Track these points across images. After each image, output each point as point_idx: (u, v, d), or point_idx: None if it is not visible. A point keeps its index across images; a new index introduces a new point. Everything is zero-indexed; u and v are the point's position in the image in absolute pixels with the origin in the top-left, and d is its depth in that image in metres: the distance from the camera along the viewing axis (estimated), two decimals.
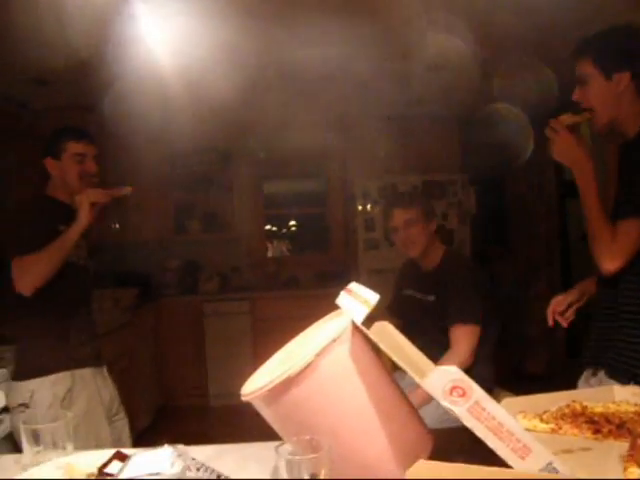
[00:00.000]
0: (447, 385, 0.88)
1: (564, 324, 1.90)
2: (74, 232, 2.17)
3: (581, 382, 1.83)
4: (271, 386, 0.91)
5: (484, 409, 0.88)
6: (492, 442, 0.89)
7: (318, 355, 0.92)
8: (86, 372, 2.27)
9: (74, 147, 2.32)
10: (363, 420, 0.95)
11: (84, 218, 2.17)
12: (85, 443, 2.06)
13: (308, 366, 0.91)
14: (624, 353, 1.65)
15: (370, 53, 3.67)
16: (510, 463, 0.90)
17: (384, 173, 5.38)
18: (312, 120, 5.33)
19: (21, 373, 2.18)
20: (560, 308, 1.92)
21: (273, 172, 6.20)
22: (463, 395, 0.88)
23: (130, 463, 1.00)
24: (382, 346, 0.96)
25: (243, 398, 0.98)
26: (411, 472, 0.87)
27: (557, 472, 0.88)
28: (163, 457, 1.00)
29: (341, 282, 1.10)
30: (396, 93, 4.75)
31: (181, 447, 1.03)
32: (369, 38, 3.37)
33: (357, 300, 1.02)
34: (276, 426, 1.01)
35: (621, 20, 1.65)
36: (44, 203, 2.31)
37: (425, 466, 0.88)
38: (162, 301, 5.38)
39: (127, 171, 4.87)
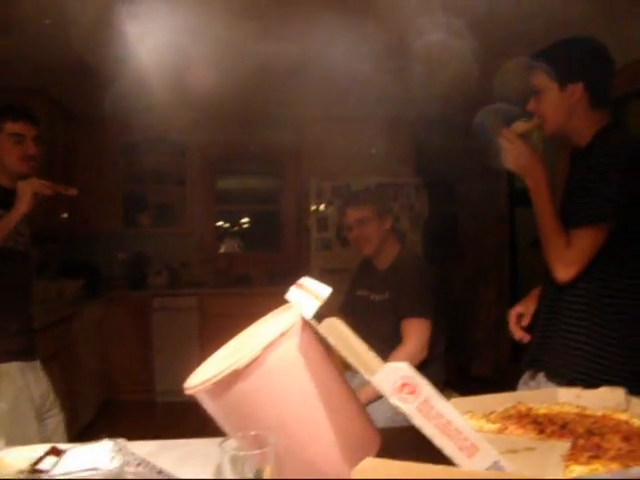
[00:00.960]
0: (397, 382, 0.86)
1: (526, 339, 1.87)
2: (11, 219, 2.10)
3: (520, 384, 1.85)
4: (217, 379, 0.89)
5: (433, 407, 0.87)
6: (439, 440, 0.89)
7: (266, 349, 0.90)
8: (13, 366, 2.17)
9: (11, 127, 2.23)
10: (310, 415, 0.93)
11: (23, 205, 2.10)
12: (12, 440, 1.98)
13: (255, 360, 0.89)
14: (563, 357, 1.68)
15: (332, 51, 3.66)
16: (457, 462, 0.89)
17: (338, 173, 5.38)
18: (269, 116, 5.31)
19: None
20: (526, 322, 1.90)
21: (227, 167, 6.14)
22: (413, 392, 0.87)
23: (65, 458, 0.95)
24: (331, 341, 0.94)
25: (187, 391, 0.95)
26: (358, 469, 0.85)
27: (503, 471, 0.88)
28: (102, 452, 0.96)
29: (292, 281, 1.07)
30: (354, 93, 4.77)
31: (121, 441, 0.99)
32: (333, 34, 3.36)
33: (308, 294, 1.00)
34: (221, 421, 0.98)
35: (621, 21, 1.68)
36: None
37: (372, 463, 0.87)
38: (109, 294, 5.27)
39: (78, 157, 4.75)
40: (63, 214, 4.92)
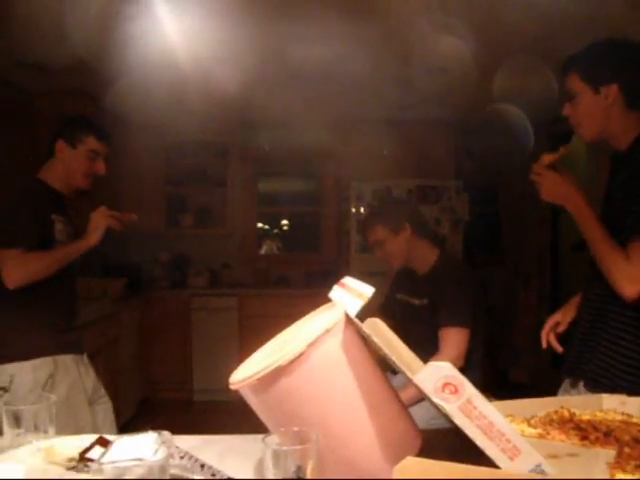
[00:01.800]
0: (439, 381, 0.86)
1: (559, 349, 1.86)
2: (80, 249, 2.17)
3: (561, 391, 1.82)
4: (261, 375, 0.90)
5: (475, 407, 0.87)
6: (481, 441, 0.88)
7: (310, 345, 0.90)
8: (68, 358, 2.24)
9: (93, 143, 2.29)
10: (352, 412, 0.93)
11: (95, 239, 2.16)
12: (65, 429, 2.04)
13: (299, 356, 0.90)
14: (606, 367, 1.64)
15: (369, 54, 3.66)
16: (498, 463, 0.88)
17: (379, 176, 5.38)
18: (310, 119, 5.33)
19: (1, 356, 2.14)
20: (560, 330, 1.88)
21: (268, 170, 6.18)
22: (455, 392, 0.86)
23: (112, 448, 0.98)
24: (375, 340, 0.95)
25: (232, 386, 0.96)
26: (399, 468, 0.85)
27: (546, 474, 0.87)
28: (147, 443, 0.98)
29: (331, 283, 1.08)
30: (394, 95, 4.76)
31: (166, 434, 1.01)
32: (369, 39, 3.36)
33: (351, 294, 1.01)
34: (263, 416, 1.00)
35: (621, 23, 1.65)
36: (35, 188, 2.25)
37: (413, 462, 0.87)
38: (151, 293, 5.35)
39: (122, 160, 4.84)
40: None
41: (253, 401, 0.98)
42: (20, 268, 2.04)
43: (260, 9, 3.01)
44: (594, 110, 1.67)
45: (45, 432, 1.18)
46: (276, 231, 6.71)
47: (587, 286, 1.75)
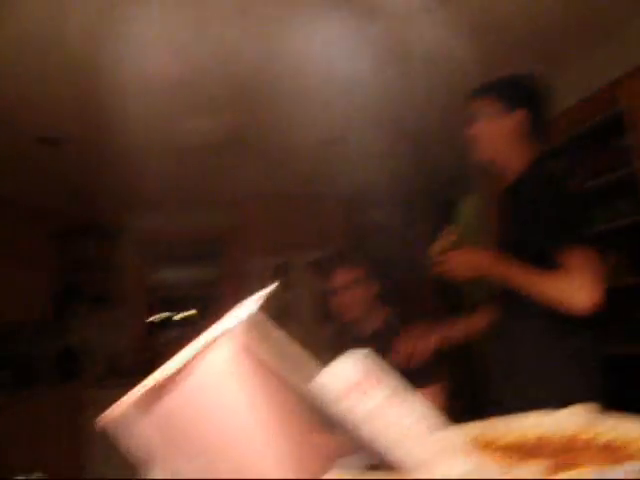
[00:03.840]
0: (351, 377, 0.74)
1: None
2: None
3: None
4: (138, 397, 0.74)
5: (392, 408, 0.75)
6: (396, 449, 0.76)
7: (193, 359, 0.76)
8: None
9: None
10: (252, 429, 0.77)
11: None
12: None
13: (180, 371, 0.75)
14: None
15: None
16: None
17: (279, 250, 5.32)
18: (205, 196, 5.24)
19: None
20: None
21: (163, 254, 5.95)
22: (367, 391, 0.74)
23: None
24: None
25: (101, 424, 0.79)
26: None
27: None
28: None
29: None
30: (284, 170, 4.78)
31: None
32: None
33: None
34: (147, 456, 0.82)
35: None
36: None
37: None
38: (39, 387, 4.87)
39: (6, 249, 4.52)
40: None
41: (132, 437, 0.80)
42: None
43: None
44: (501, 130, 1.74)
45: None
46: (177, 319, 6.44)
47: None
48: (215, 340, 0.79)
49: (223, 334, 0.80)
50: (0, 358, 4.78)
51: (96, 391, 4.92)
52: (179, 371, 0.76)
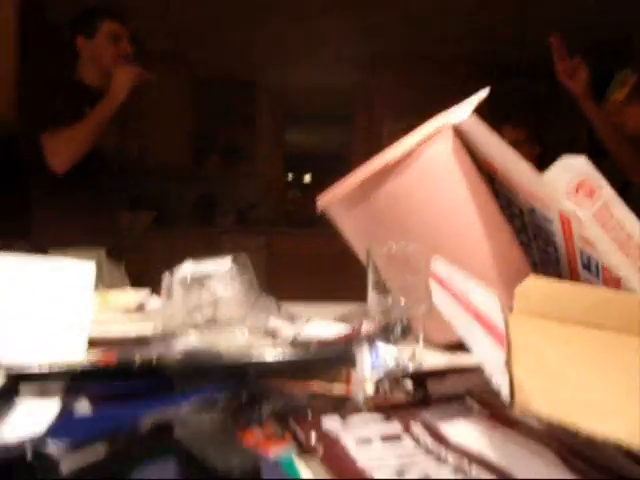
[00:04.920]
0: (572, 181, 0.74)
1: None
2: (108, 107, 2.04)
3: None
4: (365, 177, 0.78)
5: (612, 215, 0.75)
6: (614, 258, 0.76)
7: (420, 144, 0.78)
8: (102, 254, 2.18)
9: (109, 25, 2.16)
10: (467, 227, 0.79)
11: (121, 94, 2.03)
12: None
13: (409, 154, 0.77)
14: None
15: None
16: (632, 285, 0.77)
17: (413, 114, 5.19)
18: (340, 55, 5.14)
19: None
20: None
21: (298, 111, 5.99)
22: (590, 195, 0.74)
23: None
24: (489, 141, 0.81)
25: (322, 203, 0.85)
26: (521, 290, 0.74)
27: None
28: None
29: None
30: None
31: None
32: None
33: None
34: (358, 237, 0.87)
35: None
36: (73, 87, 2.15)
37: (537, 283, 0.75)
38: (177, 230, 5.26)
39: (147, 94, 4.70)
40: (134, 149, 4.91)
41: (349, 216, 0.85)
42: (60, 147, 1.96)
43: None
44: None
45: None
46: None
47: None
48: (440, 131, 0.80)
49: (445, 127, 0.81)
50: (147, 198, 5.14)
51: (229, 236, 5.25)
52: (401, 158, 0.78)
